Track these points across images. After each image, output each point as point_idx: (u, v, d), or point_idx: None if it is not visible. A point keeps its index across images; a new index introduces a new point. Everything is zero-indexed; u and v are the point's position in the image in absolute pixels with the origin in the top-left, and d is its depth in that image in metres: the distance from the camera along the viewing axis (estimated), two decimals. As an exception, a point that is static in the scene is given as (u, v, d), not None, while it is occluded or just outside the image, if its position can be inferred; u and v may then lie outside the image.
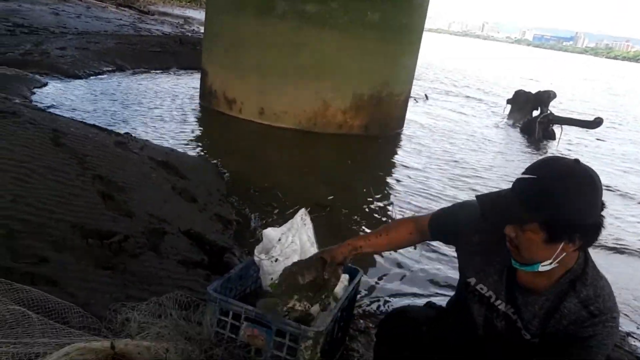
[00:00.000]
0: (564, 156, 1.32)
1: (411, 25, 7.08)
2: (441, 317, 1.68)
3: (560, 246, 1.24)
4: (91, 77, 7.92)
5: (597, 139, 9.42)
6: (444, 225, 1.61)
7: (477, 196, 1.33)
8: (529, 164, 1.28)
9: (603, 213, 1.24)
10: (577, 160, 1.24)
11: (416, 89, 10.26)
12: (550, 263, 1.27)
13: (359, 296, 2.62)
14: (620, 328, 2.86)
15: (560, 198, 1.19)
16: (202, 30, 9.39)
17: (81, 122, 4.84)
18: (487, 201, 1.31)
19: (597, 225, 1.24)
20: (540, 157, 1.30)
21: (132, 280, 2.26)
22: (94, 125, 4.77)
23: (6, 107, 4.11)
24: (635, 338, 2.89)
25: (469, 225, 1.49)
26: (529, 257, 1.28)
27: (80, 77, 7.70)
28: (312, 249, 2.13)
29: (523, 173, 1.26)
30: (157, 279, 2.32)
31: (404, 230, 1.70)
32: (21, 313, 1.62)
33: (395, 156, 6.37)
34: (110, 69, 8.67)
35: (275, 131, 6.60)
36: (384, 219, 4.11)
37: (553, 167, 1.24)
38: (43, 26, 10.67)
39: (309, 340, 1.69)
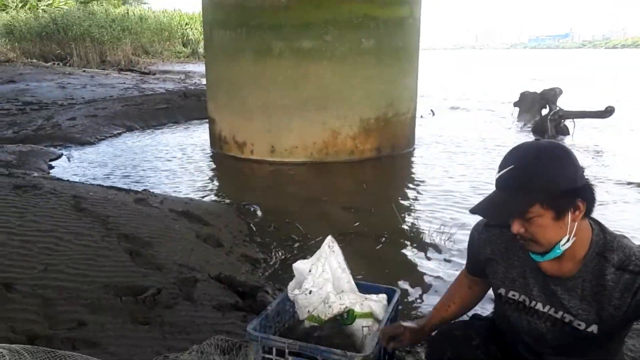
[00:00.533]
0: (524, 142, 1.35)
1: (406, 46, 7.17)
2: (490, 328, 1.65)
3: (569, 217, 1.25)
4: (103, 142, 8.11)
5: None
6: (471, 260, 1.64)
7: (470, 210, 1.35)
8: (499, 163, 1.31)
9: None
10: (537, 139, 1.32)
11: (422, 107, 10.30)
12: (569, 238, 1.27)
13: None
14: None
15: (545, 171, 1.22)
16: (204, 82, 9.59)
17: (99, 185, 4.93)
18: (482, 208, 1.32)
19: (589, 186, 1.27)
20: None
21: (170, 331, 2.25)
22: (112, 187, 4.86)
23: (26, 182, 4.22)
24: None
25: (480, 242, 1.53)
26: (548, 242, 1.28)
27: (92, 144, 7.88)
28: (344, 275, 2.11)
29: (498, 172, 1.29)
30: (195, 327, 2.31)
31: (464, 285, 1.72)
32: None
33: (411, 175, 6.35)
34: (120, 131, 8.86)
35: (289, 167, 6.65)
36: (407, 242, 4.06)
37: (522, 151, 1.28)
38: (52, 100, 11.02)
39: (357, 365, 1.65)
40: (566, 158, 1.24)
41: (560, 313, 1.36)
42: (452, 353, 1.56)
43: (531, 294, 1.41)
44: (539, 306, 1.40)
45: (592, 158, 7.07)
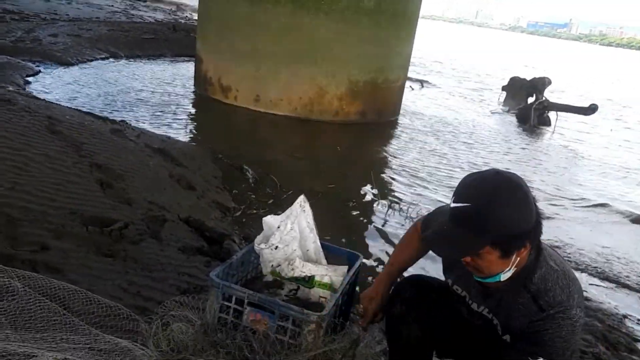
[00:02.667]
0: (481, 170, 1.32)
1: (406, 11, 7.05)
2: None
3: (515, 255, 1.28)
4: (84, 64, 7.84)
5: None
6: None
7: (425, 241, 1.38)
8: (456, 189, 1.28)
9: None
10: (496, 171, 1.26)
11: (412, 76, 10.23)
12: (509, 269, 1.31)
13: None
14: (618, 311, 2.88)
15: (502, 216, 1.21)
16: (196, 17, 9.28)
17: (76, 109, 4.81)
18: (438, 244, 1.34)
19: (539, 222, 1.27)
20: (463, 179, 1.30)
21: (133, 267, 2.27)
22: (89, 113, 4.74)
23: (0, 95, 4.08)
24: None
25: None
26: (489, 273, 1.32)
27: (73, 64, 7.61)
28: (311, 235, 2.14)
29: (454, 201, 1.27)
30: (159, 266, 2.33)
31: (411, 247, 1.75)
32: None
33: (391, 144, 6.37)
34: (103, 56, 8.58)
35: (271, 118, 6.58)
36: (377, 209, 4.13)
37: (482, 187, 1.24)
38: (34, 12, 10.52)
39: (312, 324, 1.70)
40: (523, 198, 1.23)
41: (491, 315, 1.45)
42: (412, 296, 1.64)
43: (470, 293, 1.49)
44: (474, 306, 1.49)
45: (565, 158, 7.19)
